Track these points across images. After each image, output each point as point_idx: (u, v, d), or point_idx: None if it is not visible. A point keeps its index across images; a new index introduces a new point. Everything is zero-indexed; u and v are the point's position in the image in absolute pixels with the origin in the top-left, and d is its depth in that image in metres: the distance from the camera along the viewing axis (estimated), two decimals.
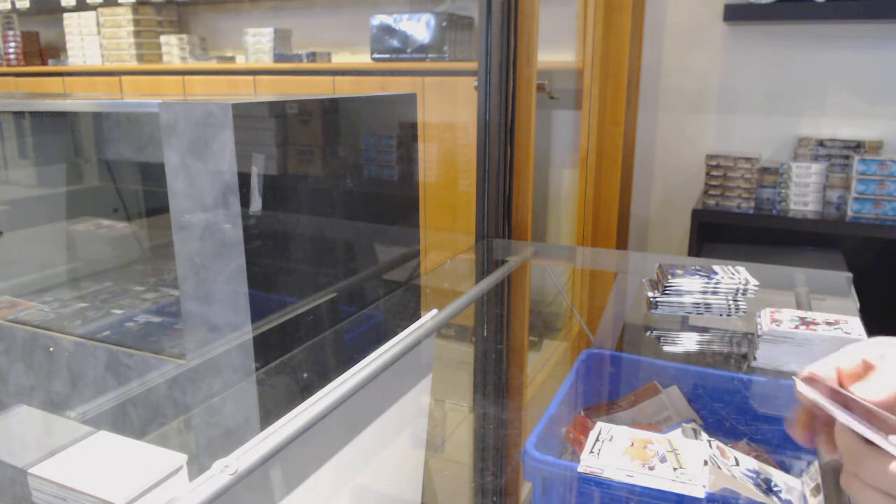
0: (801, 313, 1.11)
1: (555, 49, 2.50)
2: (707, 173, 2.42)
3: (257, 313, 1.18)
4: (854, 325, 1.06)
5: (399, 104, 1.55)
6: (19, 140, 1.85)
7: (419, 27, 2.68)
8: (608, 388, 1.17)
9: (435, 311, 1.09)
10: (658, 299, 1.23)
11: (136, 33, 3.43)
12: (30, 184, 1.88)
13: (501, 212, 1.61)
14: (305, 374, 1.21)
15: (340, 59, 3.22)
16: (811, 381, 0.45)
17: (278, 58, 3.14)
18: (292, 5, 3.32)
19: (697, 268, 1.28)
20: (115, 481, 0.57)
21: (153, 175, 1.90)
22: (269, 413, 1.12)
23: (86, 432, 0.63)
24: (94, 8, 3.55)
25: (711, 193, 2.41)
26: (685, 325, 1.25)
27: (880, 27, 2.27)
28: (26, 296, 1.68)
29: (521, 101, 1.47)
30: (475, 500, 1.09)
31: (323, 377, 0.89)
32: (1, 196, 1.84)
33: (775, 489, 0.93)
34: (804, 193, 2.30)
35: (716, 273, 1.26)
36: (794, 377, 0.47)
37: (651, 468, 0.81)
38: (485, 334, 1.51)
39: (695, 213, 2.38)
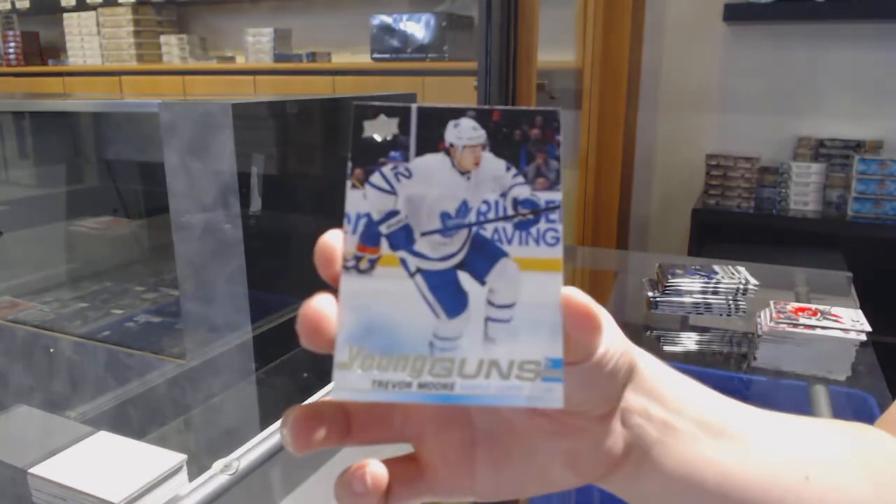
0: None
1: (555, 49, 2.50)
2: (707, 173, 2.42)
3: (257, 313, 1.18)
4: (856, 322, 1.06)
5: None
6: (18, 140, 1.85)
7: (419, 27, 2.68)
8: None
9: None
10: (658, 299, 1.23)
11: (136, 33, 3.43)
12: (29, 184, 1.88)
13: None
14: (305, 374, 1.21)
15: (340, 59, 3.22)
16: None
17: (278, 58, 3.14)
18: (292, 5, 3.32)
19: (697, 267, 1.28)
20: (115, 481, 0.57)
21: (153, 175, 1.89)
22: (269, 413, 1.12)
23: (86, 432, 0.63)
24: (94, 8, 3.55)
25: (711, 193, 2.41)
26: (685, 324, 1.25)
27: (880, 27, 2.26)
28: (26, 296, 1.68)
29: (521, 100, 1.47)
30: (475, 501, 1.09)
31: (323, 377, 0.89)
32: (1, 196, 1.84)
33: None
34: (804, 193, 2.29)
35: (716, 273, 1.26)
36: None
37: None
38: None
39: (695, 212, 2.37)
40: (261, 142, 1.19)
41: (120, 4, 3.46)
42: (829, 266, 1.62)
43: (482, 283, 0.26)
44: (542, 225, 0.26)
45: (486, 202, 0.26)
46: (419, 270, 0.26)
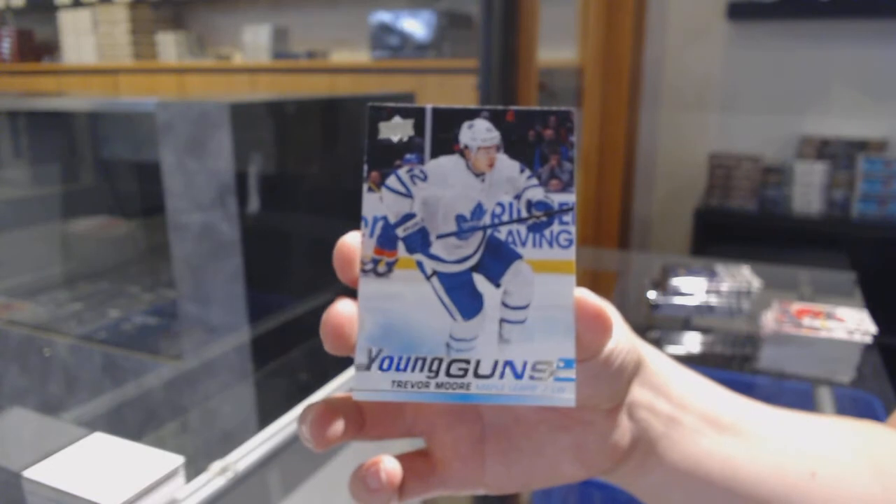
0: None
1: (556, 47, 2.49)
2: (710, 172, 2.41)
3: (254, 314, 1.17)
4: (861, 323, 1.05)
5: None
6: (12, 139, 1.83)
7: (418, 25, 2.67)
8: None
9: None
10: (660, 300, 1.22)
11: (133, 31, 3.41)
12: (24, 183, 1.87)
13: None
14: (304, 375, 1.20)
15: (339, 57, 3.21)
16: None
17: (276, 56, 3.12)
18: (290, 3, 3.31)
19: (700, 268, 1.27)
20: (111, 483, 0.56)
21: (150, 175, 1.88)
22: (267, 414, 1.11)
23: (81, 434, 0.62)
24: (89, 5, 3.53)
25: (714, 193, 2.40)
26: (687, 326, 1.24)
27: (885, 25, 2.25)
28: (21, 297, 1.67)
29: (522, 99, 1.46)
30: (475, 501, 1.08)
31: (321, 378, 0.88)
32: None
33: None
34: (808, 193, 2.28)
35: (718, 273, 1.25)
36: None
37: None
38: None
39: (697, 212, 2.37)
40: (259, 142, 1.18)
41: (116, 2, 3.44)
42: (834, 266, 1.62)
43: (497, 285, 0.26)
44: (556, 227, 0.26)
45: (500, 204, 0.26)
46: (435, 273, 0.26)
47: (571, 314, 0.26)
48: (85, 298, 1.65)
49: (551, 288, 0.26)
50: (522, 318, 0.26)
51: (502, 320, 0.26)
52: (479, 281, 0.26)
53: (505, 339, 0.26)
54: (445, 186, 0.26)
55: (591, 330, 0.26)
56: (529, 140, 0.26)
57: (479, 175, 0.26)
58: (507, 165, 0.26)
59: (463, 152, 0.26)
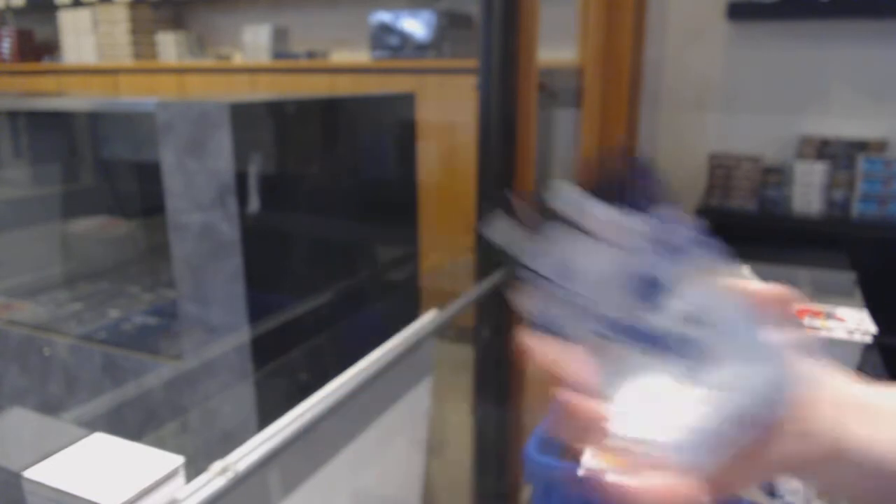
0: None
1: (556, 47, 2.49)
2: (710, 173, 2.41)
3: (255, 314, 1.17)
4: (861, 323, 1.04)
5: (397, 104, 1.54)
6: (12, 139, 1.83)
7: (419, 25, 2.67)
8: None
9: (434, 311, 1.07)
10: None
11: (133, 31, 3.41)
12: (24, 183, 1.87)
13: None
14: (304, 375, 1.20)
15: (339, 57, 3.21)
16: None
17: (276, 56, 3.12)
18: (290, 3, 3.31)
19: None
20: (111, 483, 0.56)
21: (149, 175, 1.88)
22: (268, 414, 1.11)
23: (81, 434, 0.62)
24: (89, 5, 3.53)
25: (714, 193, 2.40)
26: None
27: (885, 25, 2.25)
28: (21, 297, 1.67)
29: (522, 99, 1.46)
30: (475, 502, 1.09)
31: (322, 378, 0.88)
32: None
33: (779, 494, 0.92)
34: (808, 193, 2.28)
35: None
36: None
37: None
38: (485, 335, 1.50)
39: (697, 212, 2.36)
40: (259, 142, 1.18)
41: (116, 2, 3.44)
42: (834, 267, 1.61)
43: None
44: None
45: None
46: None
47: None
48: (85, 298, 1.65)
49: None
50: None
51: None
52: None
53: None
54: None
55: None
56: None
57: None
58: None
59: None
